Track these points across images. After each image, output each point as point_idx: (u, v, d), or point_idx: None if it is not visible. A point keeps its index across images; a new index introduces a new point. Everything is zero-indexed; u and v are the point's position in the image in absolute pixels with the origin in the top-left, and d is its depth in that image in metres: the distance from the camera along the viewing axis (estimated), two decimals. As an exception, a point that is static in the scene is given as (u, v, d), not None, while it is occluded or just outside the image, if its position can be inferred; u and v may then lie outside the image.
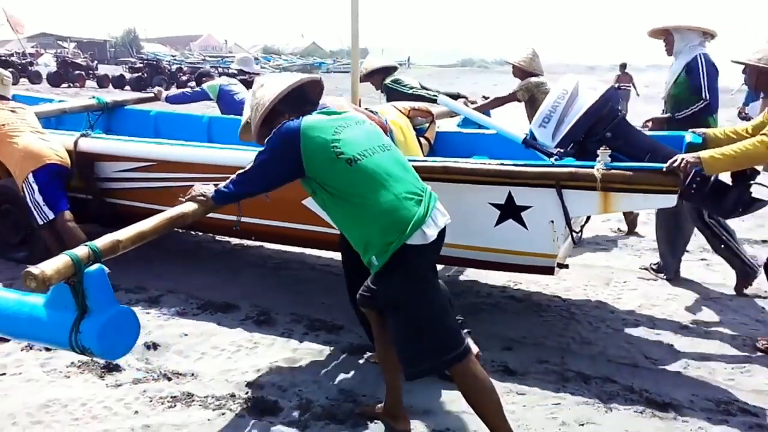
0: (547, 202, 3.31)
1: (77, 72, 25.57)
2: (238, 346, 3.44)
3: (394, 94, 5.41)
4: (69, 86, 24.40)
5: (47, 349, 3.34)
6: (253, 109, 2.81)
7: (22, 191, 4.26)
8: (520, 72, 5.45)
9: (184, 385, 3.04)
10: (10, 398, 2.90)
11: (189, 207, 2.75)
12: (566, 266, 3.92)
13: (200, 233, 5.30)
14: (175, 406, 2.87)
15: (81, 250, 2.28)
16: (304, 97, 2.78)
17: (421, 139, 4.40)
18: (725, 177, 3.45)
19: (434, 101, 4.93)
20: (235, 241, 5.30)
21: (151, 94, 6.91)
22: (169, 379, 3.09)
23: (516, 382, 3.13)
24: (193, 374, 3.14)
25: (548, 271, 3.67)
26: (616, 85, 17.24)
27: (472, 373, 2.45)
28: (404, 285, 2.43)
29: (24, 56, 28.12)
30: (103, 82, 25.12)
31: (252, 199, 2.81)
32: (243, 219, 3.26)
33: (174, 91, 7.20)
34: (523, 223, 3.43)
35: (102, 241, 2.36)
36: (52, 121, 5.90)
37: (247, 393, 2.98)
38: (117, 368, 3.17)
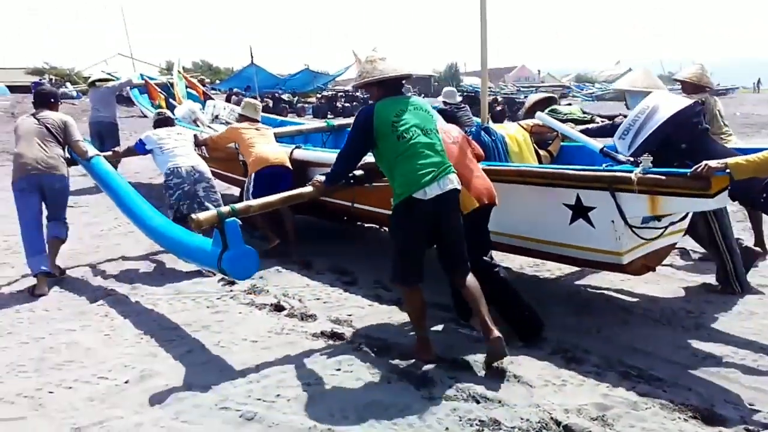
0: (607, 203, 3.71)
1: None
2: (545, 381, 3.36)
3: None
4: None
5: (372, 351, 3.71)
6: (363, 71, 3.68)
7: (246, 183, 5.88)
8: (691, 87, 5.33)
9: (492, 411, 3.07)
10: (342, 393, 3.28)
11: (305, 189, 3.93)
12: (652, 269, 4.21)
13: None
14: (482, 430, 2.91)
15: (224, 209, 3.63)
16: (397, 84, 3.67)
17: (541, 151, 5.17)
18: None
19: (587, 122, 5.49)
20: (531, 270, 5.24)
21: None
22: (478, 402, 3.15)
23: None
24: (500, 401, 3.16)
25: (616, 268, 4.05)
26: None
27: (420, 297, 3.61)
28: (399, 221, 3.56)
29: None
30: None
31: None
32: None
33: None
34: (590, 222, 3.88)
35: (239, 205, 3.69)
36: (297, 138, 7.39)
37: (553, 430, 2.89)
38: (431, 381, 3.35)
